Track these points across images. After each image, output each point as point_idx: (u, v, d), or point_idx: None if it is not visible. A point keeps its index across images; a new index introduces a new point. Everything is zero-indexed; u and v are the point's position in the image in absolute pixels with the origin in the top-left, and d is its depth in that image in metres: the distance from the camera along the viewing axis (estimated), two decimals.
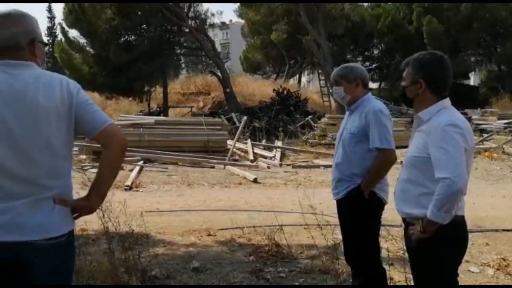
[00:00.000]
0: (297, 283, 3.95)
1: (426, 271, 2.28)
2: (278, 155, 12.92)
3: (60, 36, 21.90)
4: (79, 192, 2.06)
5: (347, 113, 3.26)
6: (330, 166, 12.02)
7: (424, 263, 2.27)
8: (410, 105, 2.42)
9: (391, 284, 3.69)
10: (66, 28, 21.25)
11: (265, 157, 12.67)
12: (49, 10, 55.74)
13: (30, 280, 1.84)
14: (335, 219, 4.65)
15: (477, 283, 3.95)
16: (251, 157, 12.20)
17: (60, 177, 1.90)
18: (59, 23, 21.77)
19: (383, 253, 3.65)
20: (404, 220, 2.41)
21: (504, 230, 5.59)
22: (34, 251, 1.81)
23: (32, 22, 1.94)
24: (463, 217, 2.29)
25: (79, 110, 1.89)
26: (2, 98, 1.80)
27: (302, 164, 11.92)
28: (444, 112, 2.26)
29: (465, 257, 4.50)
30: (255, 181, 9.30)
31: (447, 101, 2.33)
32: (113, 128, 1.94)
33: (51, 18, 54.38)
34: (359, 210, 3.06)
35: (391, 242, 4.66)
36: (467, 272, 4.13)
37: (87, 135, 1.94)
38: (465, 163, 2.14)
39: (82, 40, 21.59)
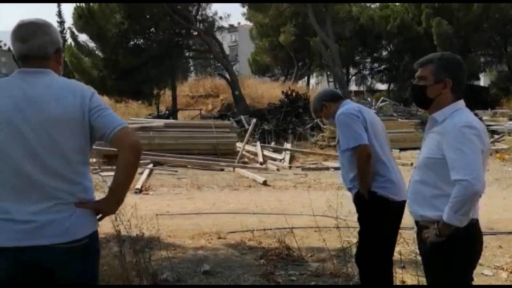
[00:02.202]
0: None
1: (440, 274, 2.25)
2: (287, 157, 12.90)
3: (69, 40, 22.00)
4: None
5: None
6: (339, 168, 11.95)
7: (439, 266, 2.24)
8: (426, 106, 2.35)
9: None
10: (76, 32, 21.38)
11: (275, 160, 12.65)
12: (59, 14, 56.39)
13: (56, 284, 1.87)
14: (346, 222, 4.64)
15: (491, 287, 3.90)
16: (260, 159, 12.18)
17: (78, 182, 1.92)
18: (69, 28, 21.86)
19: (395, 256, 3.62)
20: (416, 222, 2.38)
21: None
22: (57, 254, 1.84)
23: (57, 32, 2.01)
24: (477, 220, 2.26)
25: (92, 116, 1.91)
26: (16, 104, 1.83)
27: (312, 166, 11.88)
28: (459, 113, 2.23)
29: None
30: (264, 183, 9.28)
31: (462, 103, 2.30)
32: (125, 132, 1.91)
33: (61, 22, 54.96)
34: (363, 211, 3.17)
35: (403, 245, 4.61)
36: (480, 275, 4.08)
37: (104, 141, 1.95)
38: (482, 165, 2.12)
39: (92, 44, 21.72)
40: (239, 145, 13.03)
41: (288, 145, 14.65)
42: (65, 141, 1.86)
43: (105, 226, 3.94)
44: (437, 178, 2.23)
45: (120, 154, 1.91)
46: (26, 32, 1.92)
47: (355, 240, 4.22)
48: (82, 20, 20.16)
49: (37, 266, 1.84)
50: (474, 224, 2.21)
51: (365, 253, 3.18)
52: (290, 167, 11.75)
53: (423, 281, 2.78)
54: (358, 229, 3.32)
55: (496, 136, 15.99)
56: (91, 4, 20.50)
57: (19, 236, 1.79)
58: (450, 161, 2.12)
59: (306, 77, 36.90)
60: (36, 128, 1.83)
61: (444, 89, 2.28)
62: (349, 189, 3.23)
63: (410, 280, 3.76)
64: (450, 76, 2.27)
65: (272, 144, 15.13)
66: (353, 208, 3.33)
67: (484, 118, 20.28)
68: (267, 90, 25.87)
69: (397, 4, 33.66)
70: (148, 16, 21.19)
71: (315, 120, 18.57)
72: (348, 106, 3.22)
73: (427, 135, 2.35)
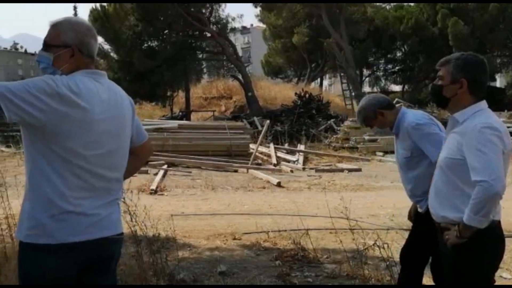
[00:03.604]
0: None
1: (462, 276, 2.23)
2: (301, 159, 12.87)
3: None
4: None
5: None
6: (354, 170, 11.85)
7: (460, 268, 2.22)
8: (444, 105, 2.36)
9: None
10: None
11: (288, 161, 12.63)
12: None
13: (108, 272, 1.97)
14: (362, 223, 4.62)
15: None
16: (274, 161, 12.18)
17: (122, 180, 2.02)
18: None
19: None
20: (438, 224, 2.36)
21: None
22: (115, 244, 1.95)
23: None
24: (499, 222, 2.23)
25: (135, 122, 2.06)
26: (107, 107, 1.85)
27: (326, 168, 11.84)
28: (481, 114, 2.21)
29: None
30: (278, 185, 9.27)
31: (483, 103, 2.27)
32: (150, 143, 2.22)
33: None
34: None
35: None
36: (499, 278, 4.01)
37: (131, 143, 2.06)
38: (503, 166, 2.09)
39: (107, 46, 21.99)
40: (252, 146, 13.04)
41: (301, 147, 14.63)
42: (127, 141, 1.99)
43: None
44: (458, 179, 2.21)
45: (140, 159, 2.19)
46: (96, 34, 1.97)
47: (370, 242, 4.20)
48: (98, 23, 20.42)
49: (102, 255, 1.91)
50: (495, 226, 2.19)
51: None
52: (304, 169, 11.72)
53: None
54: (372, 231, 3.28)
55: None
56: (106, 7, 20.73)
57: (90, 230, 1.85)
58: (470, 162, 2.10)
59: (319, 79, 36.82)
60: (116, 129, 1.90)
61: (460, 89, 2.26)
62: (418, 202, 3.02)
63: (428, 283, 3.71)
64: (466, 77, 2.25)
65: (286, 145, 15.12)
66: (367, 210, 3.30)
67: (501, 120, 20.00)
68: (280, 92, 25.88)
69: (411, 4, 33.43)
70: (161, 18, 21.37)
71: (329, 122, 18.55)
72: (418, 114, 3.04)
73: (448, 136, 2.33)
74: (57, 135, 1.72)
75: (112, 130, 1.86)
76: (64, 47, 1.85)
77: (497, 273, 4.07)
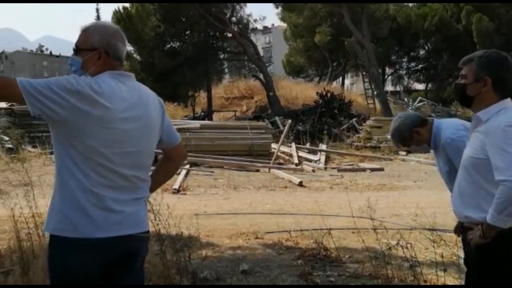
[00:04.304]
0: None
1: (485, 277, 2.20)
2: (322, 158, 12.83)
3: None
4: None
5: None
6: (377, 169, 11.72)
7: (484, 269, 2.20)
8: (468, 104, 2.32)
9: None
10: None
11: (310, 161, 12.60)
12: (97, 19, 57.92)
13: (134, 270, 2.00)
14: (385, 223, 4.58)
15: None
16: (295, 160, 12.17)
17: (148, 179, 2.04)
18: None
19: (436, 258, 3.56)
20: (461, 224, 2.34)
21: None
22: (141, 242, 1.97)
23: None
24: None
25: (165, 123, 2.07)
26: (130, 107, 1.89)
27: (348, 167, 11.78)
28: (505, 112, 2.18)
29: None
30: (300, 184, 9.27)
31: (508, 101, 2.24)
32: (182, 146, 2.24)
33: None
34: None
35: (444, 247, 4.52)
36: None
37: (163, 146, 2.11)
38: None
39: (129, 48, 22.27)
40: (274, 146, 13.05)
41: (323, 146, 14.57)
42: (154, 142, 2.02)
43: None
44: (481, 178, 2.18)
45: (174, 163, 2.22)
46: (124, 37, 2.02)
47: (393, 242, 4.17)
48: (121, 25, 20.60)
49: (129, 252, 1.94)
50: None
51: None
52: (325, 168, 11.68)
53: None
54: (395, 231, 3.25)
55: None
56: (129, 8, 20.99)
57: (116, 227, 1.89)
58: (493, 161, 2.08)
59: (340, 78, 36.57)
60: (143, 129, 1.93)
61: (484, 87, 2.23)
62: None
63: (451, 283, 3.68)
64: (490, 75, 2.22)
65: (307, 145, 15.08)
66: (390, 210, 3.28)
67: None
68: (301, 91, 25.80)
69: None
70: (183, 19, 21.55)
71: (351, 121, 18.44)
72: (454, 125, 2.90)
73: (472, 135, 2.30)
74: (78, 132, 1.78)
75: (136, 129, 1.88)
76: (92, 50, 1.91)
77: None
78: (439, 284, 3.56)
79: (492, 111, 2.21)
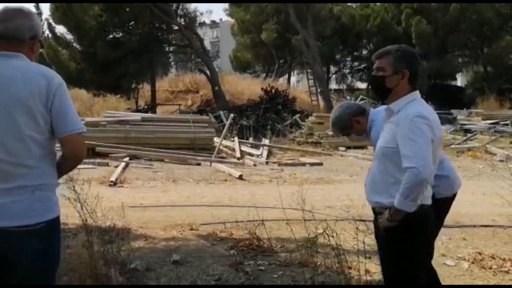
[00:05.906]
0: (275, 275, 3.99)
1: (391, 259, 2.34)
2: (265, 153, 12.96)
3: (47, 32, 21.65)
4: None
5: None
6: (316, 164, 11.92)
7: (390, 251, 2.33)
8: (385, 96, 2.43)
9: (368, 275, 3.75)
10: (53, 24, 21.08)
11: (252, 155, 12.69)
12: (37, 6, 55.11)
13: (14, 267, 1.86)
14: (317, 214, 4.72)
15: (452, 276, 4.03)
16: (238, 154, 12.21)
17: (36, 166, 1.90)
18: (46, 19, 21.53)
19: (362, 247, 3.70)
20: (373, 210, 2.46)
21: (481, 225, 5.69)
22: (11, 237, 1.83)
23: (38, 21, 2.05)
24: (430, 206, 2.35)
25: (55, 107, 1.91)
26: None
27: (288, 162, 11.97)
28: (414, 104, 2.32)
29: (442, 251, 4.62)
30: (240, 178, 9.32)
31: (417, 93, 2.38)
32: (78, 140, 1.99)
33: (38, 14, 53.50)
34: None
35: (370, 236, 4.72)
36: (443, 265, 4.20)
37: (54, 133, 1.96)
38: (432, 154, 2.20)
39: (69, 36, 21.43)
40: (216, 140, 13.04)
41: (266, 141, 14.72)
42: (26, 124, 1.86)
43: (76, 218, 3.93)
44: (393, 167, 2.31)
45: (65, 157, 2.02)
46: (6, 13, 1.95)
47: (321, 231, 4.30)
48: (60, 12, 19.86)
49: None
50: (424, 209, 2.29)
51: None
52: (267, 163, 11.81)
53: None
54: (324, 221, 3.36)
55: (468, 135, 16.40)
56: None
57: None
58: (402, 150, 2.21)
59: (287, 75, 36.98)
60: (1, 110, 1.84)
61: (402, 79, 2.36)
62: None
63: (374, 269, 3.85)
64: (408, 67, 2.35)
65: (251, 139, 15.18)
66: (325, 202, 3.38)
67: (459, 117, 20.69)
68: (247, 87, 25.87)
69: (377, 3, 34.00)
70: (127, 9, 20.98)
71: (294, 117, 18.73)
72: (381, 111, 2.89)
73: (384, 126, 2.42)
74: None
75: None
76: None
77: (441, 261, 4.27)
78: (362, 271, 3.71)
79: (402, 102, 2.34)
